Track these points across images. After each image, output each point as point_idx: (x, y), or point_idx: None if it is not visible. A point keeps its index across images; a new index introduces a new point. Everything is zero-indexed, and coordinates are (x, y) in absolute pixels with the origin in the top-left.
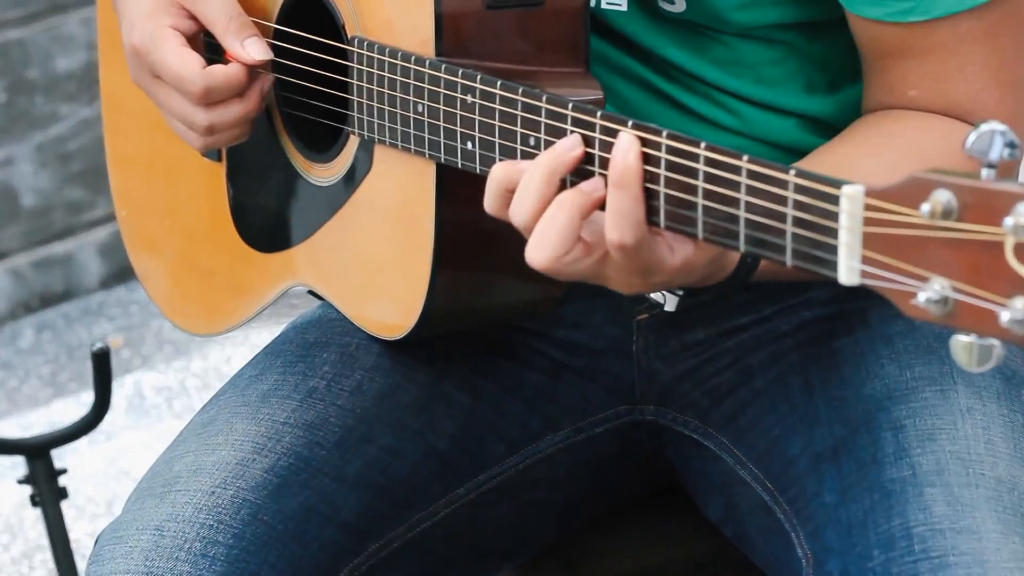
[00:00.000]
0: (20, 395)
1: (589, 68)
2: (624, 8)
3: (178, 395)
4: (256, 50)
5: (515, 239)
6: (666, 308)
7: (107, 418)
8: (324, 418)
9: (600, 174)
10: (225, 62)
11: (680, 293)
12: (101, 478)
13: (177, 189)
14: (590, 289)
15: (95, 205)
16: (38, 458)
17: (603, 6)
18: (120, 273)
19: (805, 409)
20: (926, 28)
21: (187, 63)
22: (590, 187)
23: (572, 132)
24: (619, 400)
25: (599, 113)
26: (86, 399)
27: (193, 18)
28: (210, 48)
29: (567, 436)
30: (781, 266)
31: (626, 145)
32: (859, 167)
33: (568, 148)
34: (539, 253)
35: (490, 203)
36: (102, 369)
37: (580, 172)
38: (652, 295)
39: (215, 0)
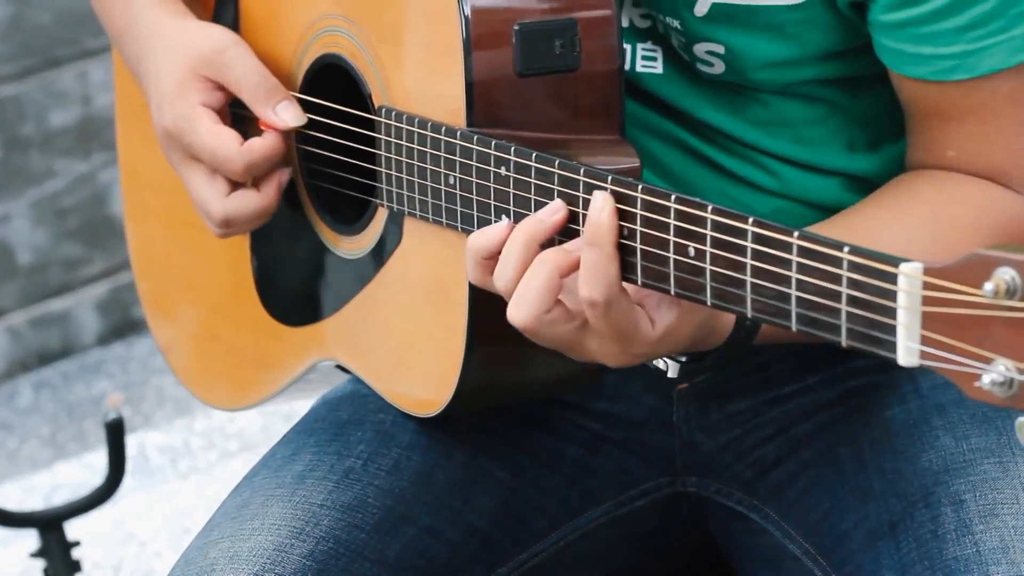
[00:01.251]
0: (20, 456)
1: (624, 134)
2: (660, 71)
3: (183, 455)
4: (290, 115)
5: None
6: (668, 375)
7: None
8: (362, 499)
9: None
10: (259, 131)
11: (682, 360)
12: (107, 542)
13: (199, 261)
14: None
15: (92, 261)
16: (51, 531)
17: (638, 69)
18: (118, 329)
19: (857, 482)
20: (969, 88)
21: (225, 142)
22: (572, 246)
23: (558, 195)
24: (660, 472)
25: (640, 187)
26: (88, 460)
27: (221, 88)
28: (236, 119)
29: (608, 510)
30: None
31: (600, 203)
32: (877, 231)
33: (550, 213)
34: (519, 311)
35: (472, 274)
36: (116, 439)
37: (566, 232)
38: (653, 362)
39: (242, 66)
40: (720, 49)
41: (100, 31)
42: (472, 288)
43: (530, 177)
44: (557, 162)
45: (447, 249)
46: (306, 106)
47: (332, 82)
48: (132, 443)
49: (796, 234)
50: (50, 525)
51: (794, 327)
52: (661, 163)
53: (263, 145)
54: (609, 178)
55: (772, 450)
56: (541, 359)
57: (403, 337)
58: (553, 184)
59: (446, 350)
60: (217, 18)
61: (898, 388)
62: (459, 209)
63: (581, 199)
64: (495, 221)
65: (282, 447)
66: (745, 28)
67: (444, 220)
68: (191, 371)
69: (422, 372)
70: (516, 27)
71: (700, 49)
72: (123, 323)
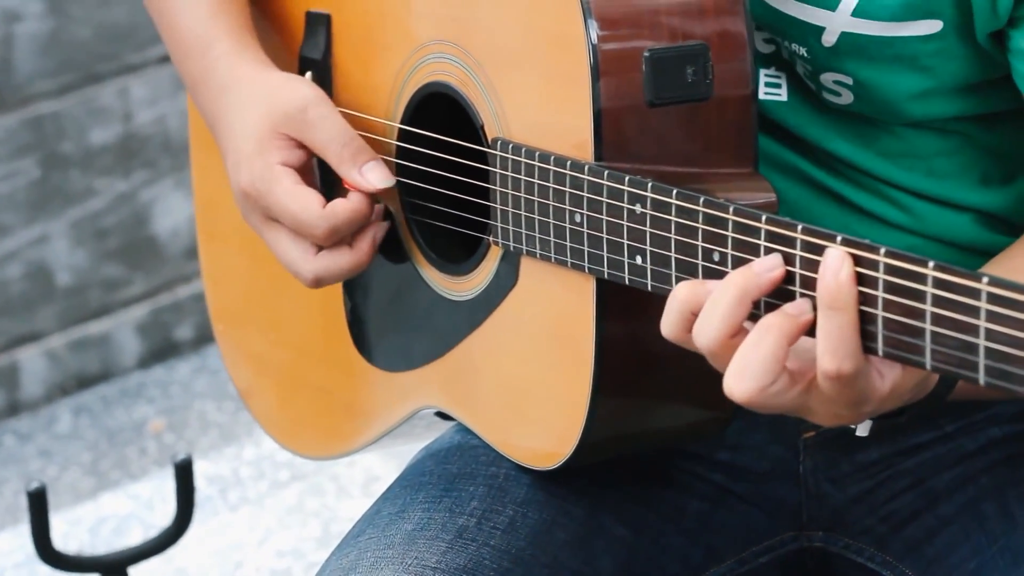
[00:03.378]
0: (61, 485)
1: (757, 167)
2: (784, 98)
3: (232, 485)
4: (376, 176)
5: (682, 359)
6: (858, 433)
7: (159, 511)
8: (478, 561)
9: (802, 295)
10: (344, 190)
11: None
12: None
13: (284, 300)
14: None
15: (132, 282)
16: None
17: (762, 96)
18: (158, 352)
19: (1006, 541)
20: None
21: (307, 206)
22: (796, 310)
23: (769, 248)
24: (785, 526)
25: (800, 227)
26: (134, 491)
27: (302, 147)
28: (323, 169)
29: (731, 568)
30: None
31: (837, 263)
32: None
33: (767, 268)
34: (740, 384)
35: (670, 326)
36: (185, 480)
37: (776, 292)
38: None
39: (326, 126)
40: (849, 80)
41: (142, 46)
42: (599, 335)
43: (670, 215)
44: (702, 200)
45: (570, 292)
46: (407, 137)
47: (438, 113)
48: None
49: (985, 280)
50: (114, 570)
51: (981, 380)
52: (784, 197)
53: (347, 208)
54: (764, 218)
55: (907, 503)
56: (670, 409)
57: (519, 385)
58: (697, 223)
59: (568, 401)
60: (306, 47)
61: None
62: (586, 249)
63: (730, 239)
64: (628, 262)
65: (388, 503)
66: (876, 60)
67: (569, 260)
68: (275, 418)
69: (540, 423)
70: (646, 54)
71: (827, 78)
72: (164, 346)
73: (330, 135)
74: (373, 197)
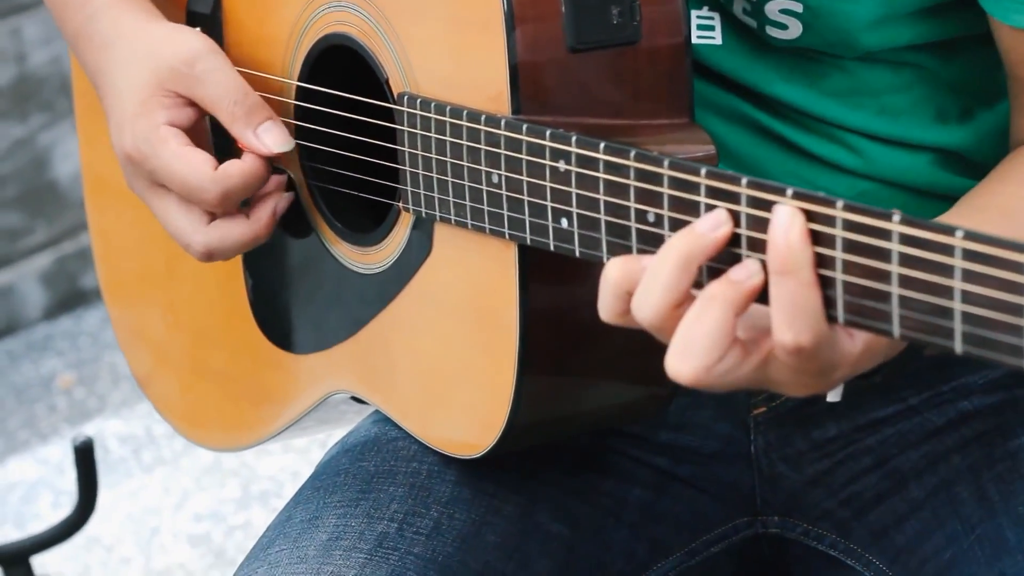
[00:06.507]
0: None
1: (693, 116)
2: (719, 42)
3: (146, 445)
4: (273, 139)
5: (616, 331)
6: (829, 399)
7: (69, 476)
8: (400, 572)
9: (749, 257)
10: (238, 151)
11: None
12: (70, 548)
13: (181, 280)
14: None
15: (34, 231)
16: (17, 566)
17: (693, 40)
18: (65, 301)
19: (985, 529)
20: None
21: (196, 168)
22: (743, 274)
23: (710, 205)
24: (737, 512)
25: (745, 180)
26: (43, 455)
27: (192, 104)
28: (216, 131)
29: (679, 561)
30: None
31: (786, 220)
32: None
33: (711, 227)
34: (685, 363)
35: (607, 310)
36: (86, 464)
37: (723, 256)
38: None
39: (217, 80)
40: (799, 7)
41: None
42: (523, 307)
43: (598, 172)
44: (633, 153)
45: (489, 260)
46: (306, 95)
47: (339, 68)
48: (89, 432)
49: (959, 234)
50: (16, 560)
51: (958, 348)
52: (725, 144)
53: (241, 170)
54: (703, 171)
55: (871, 485)
56: (603, 387)
57: (437, 365)
58: (628, 180)
59: (492, 381)
60: (193, 0)
61: (1022, 412)
62: (506, 213)
63: (666, 196)
64: (552, 226)
65: (300, 509)
66: None
67: (487, 226)
68: (176, 407)
69: (462, 407)
70: None
71: (773, 8)
72: (70, 295)
73: (222, 91)
74: (271, 161)
